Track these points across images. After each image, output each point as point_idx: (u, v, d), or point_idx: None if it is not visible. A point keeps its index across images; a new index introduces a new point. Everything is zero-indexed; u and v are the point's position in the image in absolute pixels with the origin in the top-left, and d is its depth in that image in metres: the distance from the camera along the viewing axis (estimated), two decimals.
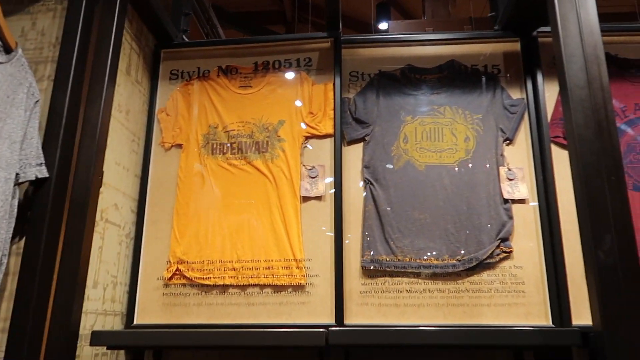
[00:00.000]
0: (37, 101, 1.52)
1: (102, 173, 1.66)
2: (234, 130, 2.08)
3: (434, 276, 1.89)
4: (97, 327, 1.71)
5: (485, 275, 1.88)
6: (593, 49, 1.52)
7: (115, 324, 1.84)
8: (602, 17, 1.54)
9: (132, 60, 1.96)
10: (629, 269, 1.33)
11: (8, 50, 1.46)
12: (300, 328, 1.77)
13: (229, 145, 2.07)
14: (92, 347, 1.65)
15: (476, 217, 1.92)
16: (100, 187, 1.66)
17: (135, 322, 1.90)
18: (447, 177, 1.98)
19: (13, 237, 1.50)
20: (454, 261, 1.88)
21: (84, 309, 1.62)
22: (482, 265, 1.88)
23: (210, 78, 2.16)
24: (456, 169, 1.98)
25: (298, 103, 2.10)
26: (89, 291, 1.65)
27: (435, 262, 1.89)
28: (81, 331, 1.59)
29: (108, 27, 1.67)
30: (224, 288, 1.93)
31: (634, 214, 1.43)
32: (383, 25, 5.03)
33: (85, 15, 1.67)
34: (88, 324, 1.65)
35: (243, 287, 1.92)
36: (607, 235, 1.39)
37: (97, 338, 1.57)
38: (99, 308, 1.72)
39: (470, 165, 1.98)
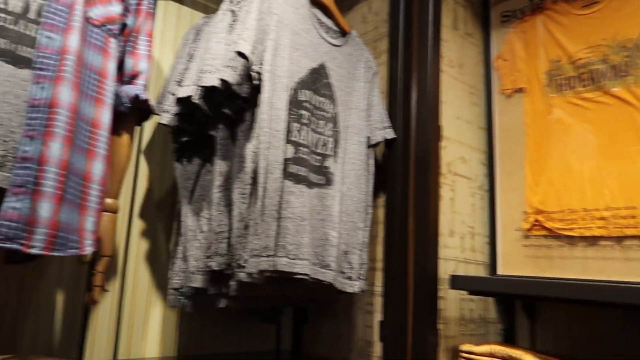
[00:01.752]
0: (375, 73, 1.74)
1: (439, 127, 1.75)
2: (582, 58, 1.77)
3: None
4: (458, 273, 1.80)
5: None
6: None
7: (478, 272, 1.90)
8: None
9: (457, 14, 1.97)
10: None
11: (344, 34, 1.73)
12: None
13: (577, 77, 1.79)
14: (456, 290, 1.76)
15: None
16: (440, 141, 1.75)
17: (498, 273, 1.91)
18: None
19: (378, 192, 1.79)
20: None
21: (443, 256, 1.75)
22: None
23: (545, 8, 1.92)
24: None
25: None
26: (446, 239, 1.77)
27: None
28: (443, 275, 1.73)
29: None
30: (593, 240, 1.68)
31: None
32: None
33: None
34: (449, 269, 1.77)
35: (618, 239, 1.63)
36: None
37: (455, 282, 1.66)
38: (459, 256, 1.82)
39: None
